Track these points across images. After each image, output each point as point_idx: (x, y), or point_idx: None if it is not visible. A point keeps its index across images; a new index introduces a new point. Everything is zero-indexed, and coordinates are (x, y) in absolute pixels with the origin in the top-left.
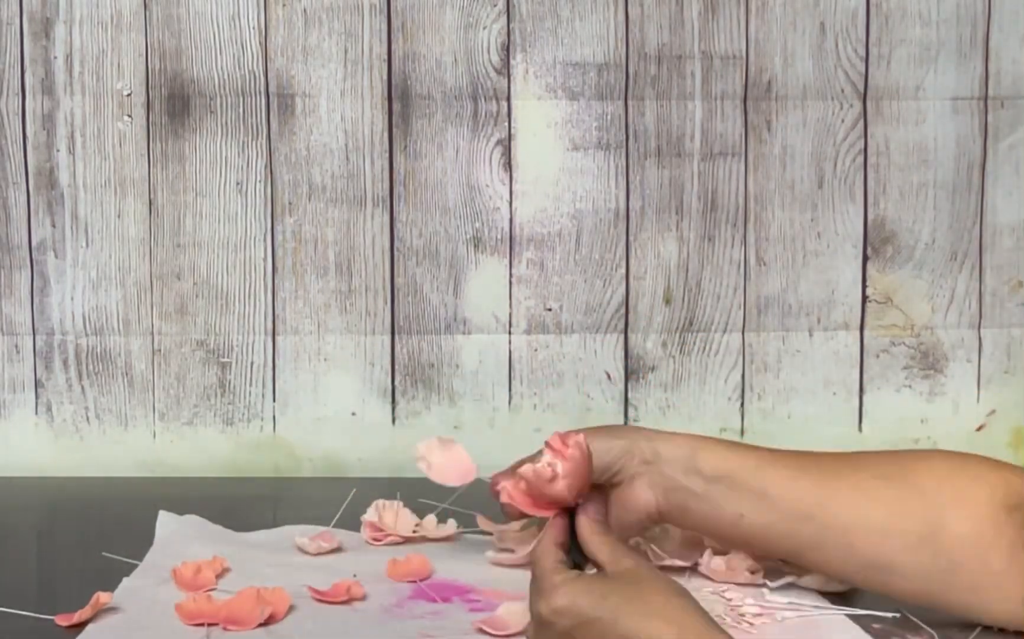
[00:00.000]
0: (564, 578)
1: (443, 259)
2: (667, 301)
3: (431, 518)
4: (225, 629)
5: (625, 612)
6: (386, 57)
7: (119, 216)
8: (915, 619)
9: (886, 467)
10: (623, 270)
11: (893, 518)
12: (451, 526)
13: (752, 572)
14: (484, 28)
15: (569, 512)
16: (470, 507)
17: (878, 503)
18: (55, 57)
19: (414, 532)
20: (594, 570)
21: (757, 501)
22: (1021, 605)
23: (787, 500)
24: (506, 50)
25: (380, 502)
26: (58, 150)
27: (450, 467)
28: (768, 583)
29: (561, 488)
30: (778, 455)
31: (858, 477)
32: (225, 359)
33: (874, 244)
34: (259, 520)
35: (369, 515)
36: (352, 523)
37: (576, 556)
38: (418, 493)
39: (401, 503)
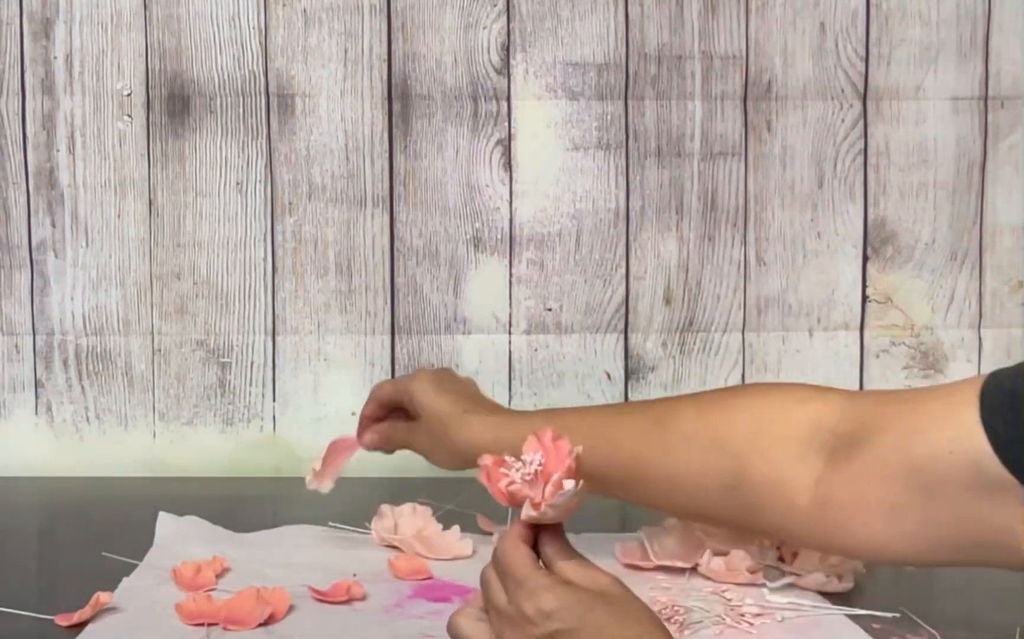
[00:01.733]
0: (552, 581)
1: (443, 259)
2: (667, 301)
3: (452, 533)
4: (225, 629)
5: (608, 629)
6: (386, 57)
7: (119, 216)
8: (915, 618)
9: (693, 425)
10: (623, 270)
11: (700, 475)
12: (468, 544)
13: (752, 572)
14: (484, 28)
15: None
16: (470, 508)
17: (686, 463)
18: (55, 57)
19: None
20: None
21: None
22: (827, 536)
23: (609, 480)
24: (506, 50)
25: (397, 508)
26: (58, 150)
27: (333, 458)
28: (768, 583)
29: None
30: (598, 428)
31: (667, 440)
32: (225, 359)
33: (874, 244)
34: (259, 520)
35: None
36: (354, 522)
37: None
38: (418, 493)
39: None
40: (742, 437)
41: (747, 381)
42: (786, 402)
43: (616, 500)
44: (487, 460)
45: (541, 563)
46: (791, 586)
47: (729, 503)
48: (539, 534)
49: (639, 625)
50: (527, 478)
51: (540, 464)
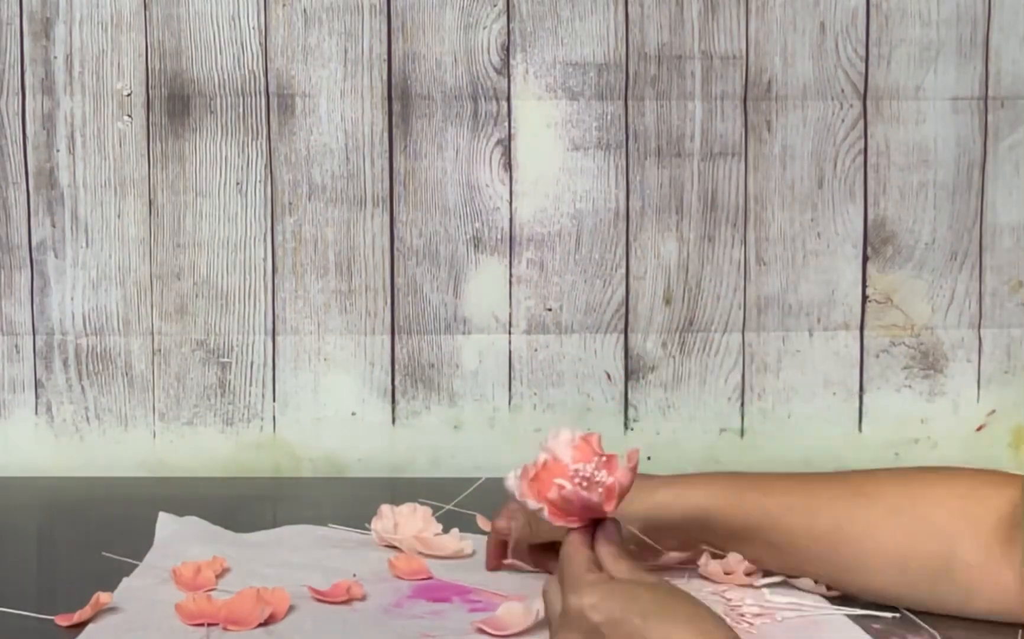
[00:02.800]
0: (599, 577)
1: (443, 259)
2: (667, 301)
3: (452, 536)
4: (225, 629)
5: (654, 616)
6: (386, 57)
7: (119, 216)
8: (915, 619)
9: (897, 500)
10: (623, 270)
11: (907, 557)
12: (468, 544)
13: (748, 574)
14: (484, 28)
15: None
16: (470, 508)
17: (892, 542)
18: (55, 57)
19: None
20: None
21: (766, 550)
22: None
23: (798, 550)
24: (506, 50)
25: (395, 507)
26: (58, 150)
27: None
28: (768, 583)
29: (606, 505)
30: (793, 493)
31: (870, 515)
32: (225, 359)
33: (874, 244)
34: (259, 520)
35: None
36: (354, 522)
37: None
38: (418, 493)
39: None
40: (953, 515)
41: (747, 381)
42: (986, 486)
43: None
44: (533, 468)
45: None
46: (791, 586)
47: (937, 589)
48: (595, 538)
49: (686, 607)
50: (583, 482)
51: (595, 470)
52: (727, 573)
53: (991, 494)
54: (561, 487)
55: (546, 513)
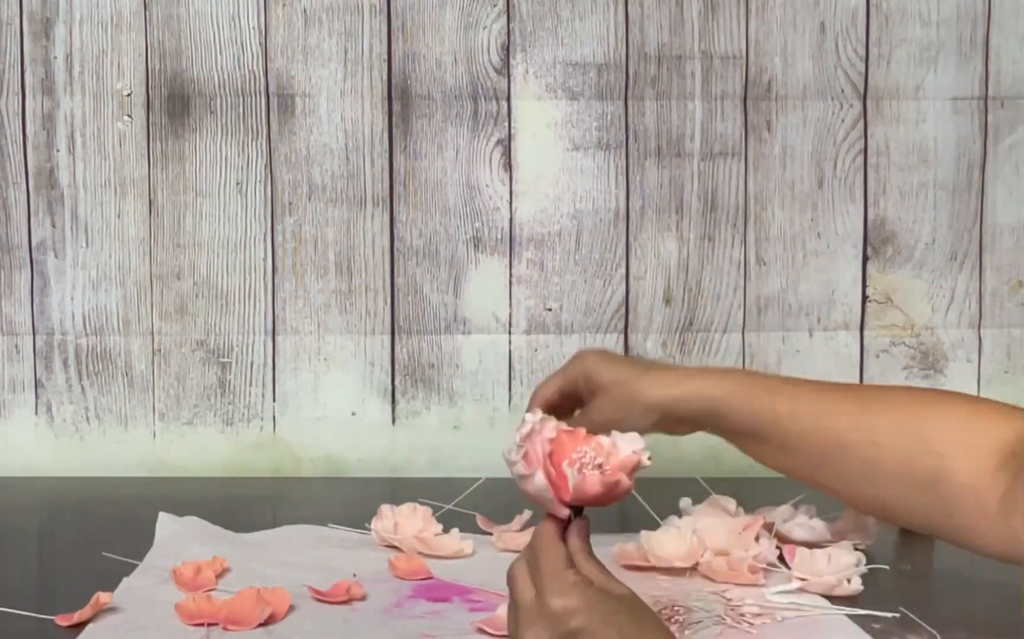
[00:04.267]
0: (580, 581)
1: (443, 259)
2: (667, 301)
3: (452, 536)
4: (225, 629)
5: (629, 635)
6: (386, 57)
7: (119, 216)
8: (915, 618)
9: (903, 415)
10: (623, 270)
11: (902, 467)
12: (468, 544)
13: (752, 572)
14: (484, 28)
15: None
16: (470, 508)
17: (890, 453)
18: (55, 57)
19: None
20: None
21: (776, 451)
22: (1009, 544)
23: (804, 452)
24: (506, 50)
25: (394, 507)
26: (58, 150)
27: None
28: (777, 587)
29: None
30: (801, 398)
31: (876, 426)
32: (225, 359)
33: (874, 244)
34: (259, 520)
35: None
36: (354, 522)
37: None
38: (417, 493)
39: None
40: (950, 436)
41: None
42: (991, 412)
43: (794, 480)
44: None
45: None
46: (799, 590)
47: (925, 500)
48: (566, 532)
49: (660, 634)
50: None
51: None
52: (731, 570)
53: (995, 420)
54: (589, 465)
55: (537, 480)
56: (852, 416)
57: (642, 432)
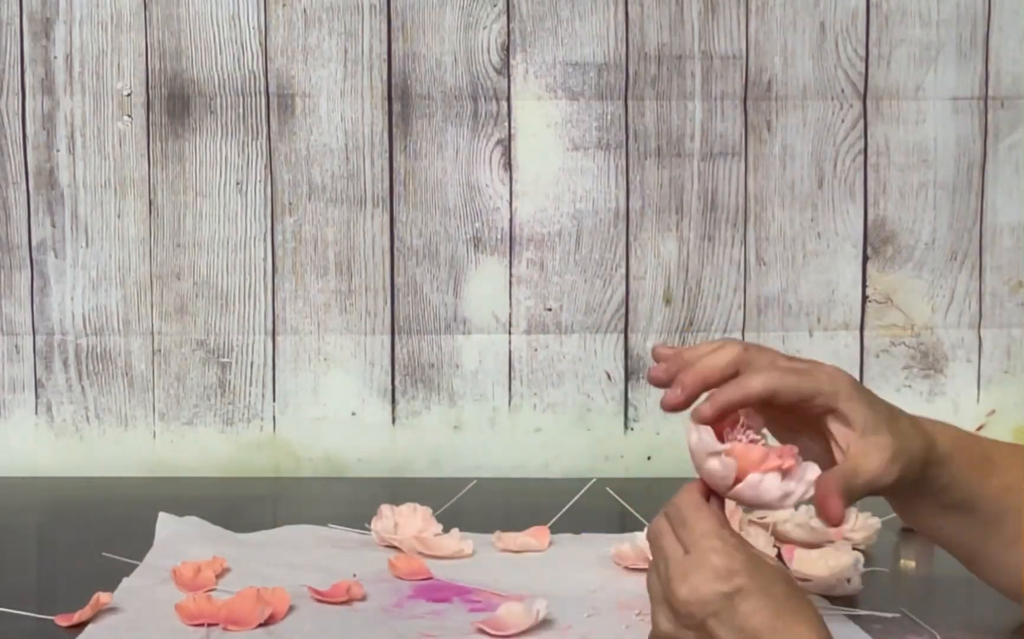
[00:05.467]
0: (741, 543)
1: (443, 259)
2: (667, 301)
3: (452, 536)
4: (225, 629)
5: (787, 605)
6: (386, 57)
7: (119, 216)
8: (915, 618)
9: None
10: (623, 270)
11: None
12: (468, 544)
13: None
14: (484, 28)
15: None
16: (468, 509)
17: None
18: (55, 57)
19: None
20: None
21: (971, 531)
22: None
23: (1001, 531)
24: (506, 50)
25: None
26: (58, 150)
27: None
28: None
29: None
30: (1013, 473)
31: None
32: (225, 359)
33: (874, 244)
34: (259, 520)
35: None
36: (354, 522)
37: None
38: (417, 493)
39: (430, 511)
40: None
41: None
42: None
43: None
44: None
45: None
46: None
47: None
48: (709, 500)
49: (809, 609)
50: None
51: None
52: None
53: None
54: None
55: (719, 464)
56: None
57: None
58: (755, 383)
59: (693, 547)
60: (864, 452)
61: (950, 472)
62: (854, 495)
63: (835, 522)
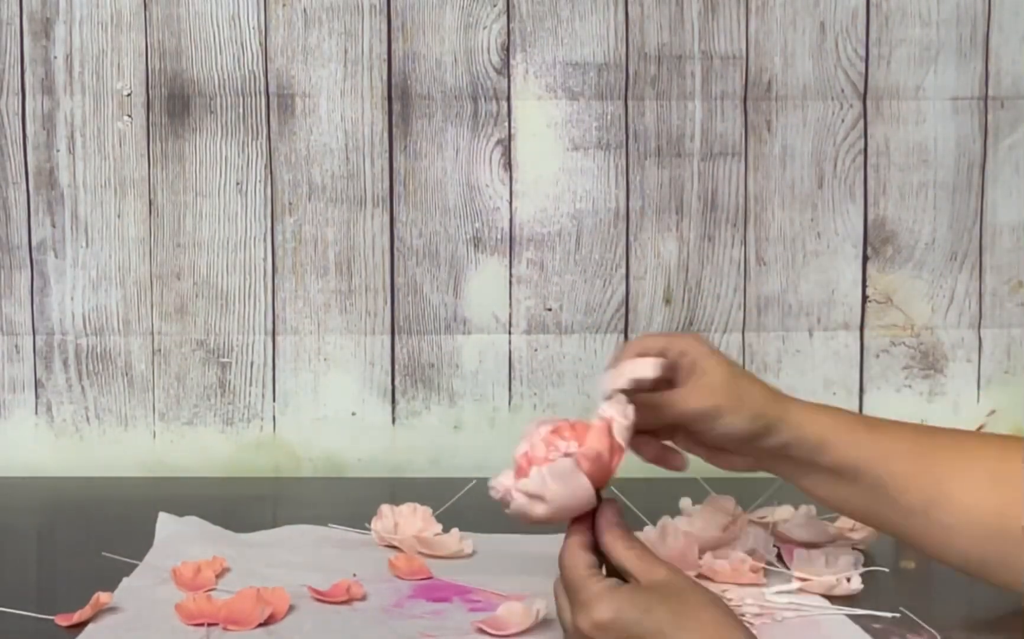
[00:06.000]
0: (604, 587)
1: (443, 259)
2: (667, 301)
3: (452, 536)
4: (225, 629)
5: (670, 626)
6: (386, 57)
7: (119, 216)
8: (915, 618)
9: (997, 464)
10: (623, 270)
11: (1000, 520)
12: (468, 544)
13: (754, 572)
14: (484, 28)
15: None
16: (468, 509)
17: (988, 506)
18: (55, 57)
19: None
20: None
21: (868, 496)
22: None
23: (897, 498)
24: (506, 50)
25: (393, 507)
26: (58, 150)
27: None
28: (778, 588)
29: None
30: (897, 441)
31: (973, 477)
32: (225, 359)
33: (874, 244)
34: (259, 520)
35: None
36: (354, 522)
37: (602, 558)
38: (417, 493)
39: (429, 510)
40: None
41: None
42: None
43: (876, 529)
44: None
45: (598, 565)
46: (799, 591)
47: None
48: (596, 527)
49: (704, 614)
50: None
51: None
52: (734, 569)
53: None
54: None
55: (517, 502)
56: (949, 461)
57: (737, 436)
58: (629, 348)
59: (572, 611)
60: (691, 388)
61: (813, 429)
62: (662, 417)
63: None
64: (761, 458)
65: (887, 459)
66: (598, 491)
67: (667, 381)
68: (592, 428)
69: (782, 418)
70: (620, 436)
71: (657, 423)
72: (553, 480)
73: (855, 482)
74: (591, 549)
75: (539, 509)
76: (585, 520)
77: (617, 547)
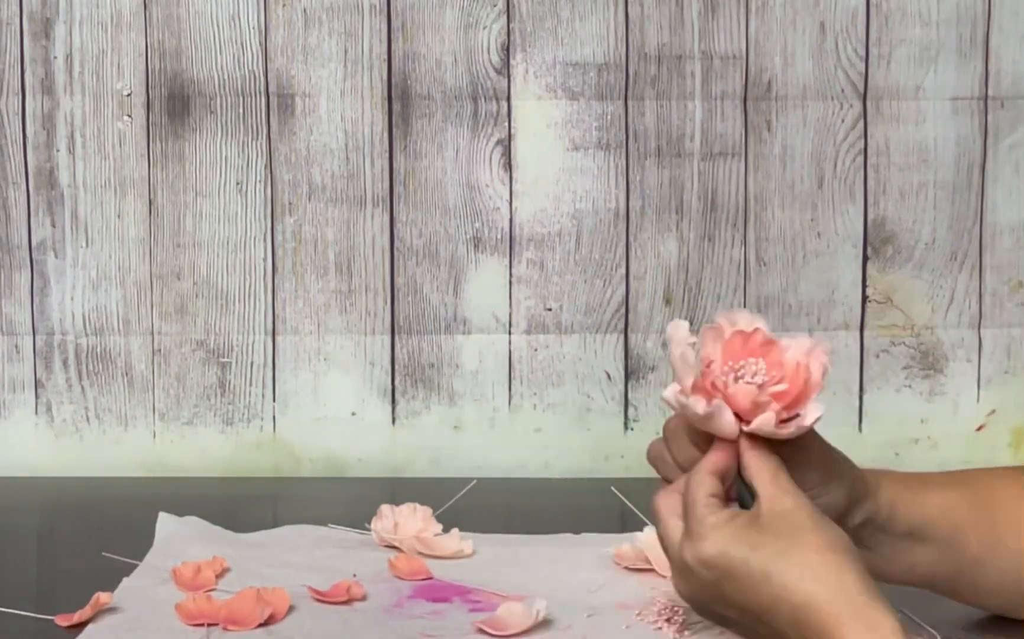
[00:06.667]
0: (715, 521)
1: (443, 259)
2: (667, 301)
3: (452, 536)
4: (225, 629)
5: (777, 569)
6: (386, 57)
7: (119, 216)
8: (915, 619)
9: None
10: (623, 270)
11: None
12: (468, 544)
13: None
14: (484, 28)
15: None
16: (468, 509)
17: None
18: (55, 57)
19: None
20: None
21: (935, 553)
22: None
23: (966, 550)
24: (506, 50)
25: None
26: (58, 150)
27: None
28: None
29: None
30: (961, 490)
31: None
32: (225, 359)
33: (874, 244)
34: (259, 520)
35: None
36: (354, 522)
37: (738, 489)
38: (417, 493)
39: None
40: None
41: None
42: None
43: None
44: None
45: (722, 496)
46: None
47: None
48: (743, 453)
49: (815, 555)
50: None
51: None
52: None
53: None
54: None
55: (723, 414)
56: (1006, 504)
57: (836, 509)
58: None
59: (684, 535)
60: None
61: (885, 496)
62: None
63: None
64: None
65: (953, 511)
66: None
67: None
68: (794, 367)
69: (866, 489)
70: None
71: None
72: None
73: (923, 542)
74: (721, 477)
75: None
76: (727, 448)
77: (753, 461)
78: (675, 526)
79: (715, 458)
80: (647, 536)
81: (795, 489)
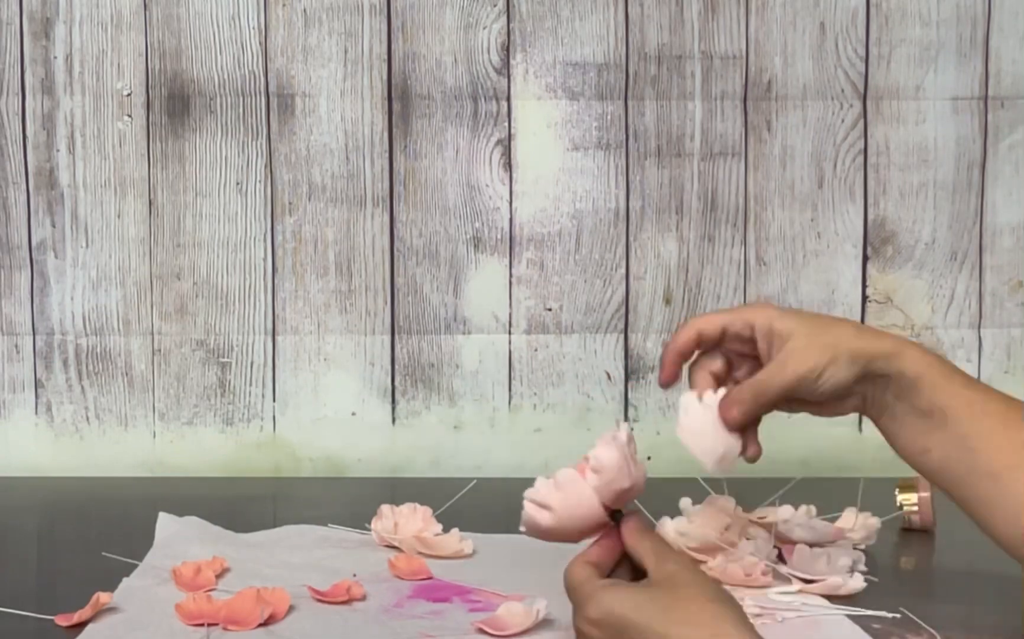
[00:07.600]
0: (596, 586)
1: (443, 259)
2: (667, 301)
3: (452, 536)
4: (225, 629)
5: (659, 620)
6: (386, 57)
7: (119, 216)
8: (915, 618)
9: None
10: (623, 270)
11: None
12: (468, 544)
13: (763, 574)
14: (484, 28)
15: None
16: (468, 509)
17: None
18: (55, 57)
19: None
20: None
21: (951, 445)
22: None
23: (978, 455)
24: (506, 50)
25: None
26: (58, 150)
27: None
28: (781, 588)
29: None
30: (989, 400)
31: None
32: (225, 359)
33: (874, 244)
34: (259, 520)
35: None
36: (354, 522)
37: (622, 574)
38: (417, 493)
39: (431, 511)
40: None
41: None
42: None
43: (938, 486)
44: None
45: (599, 573)
46: (800, 591)
47: None
48: (620, 531)
49: (694, 605)
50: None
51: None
52: (747, 575)
53: None
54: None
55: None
56: None
57: (843, 385)
58: (685, 331)
59: (574, 618)
60: (782, 360)
61: (911, 365)
62: (763, 400)
63: (730, 425)
64: (867, 397)
65: (978, 413)
66: (614, 511)
67: (753, 358)
68: (599, 439)
69: (880, 353)
70: (624, 448)
71: (765, 407)
72: (557, 488)
73: (942, 428)
74: (596, 564)
75: (545, 517)
76: (608, 541)
77: (633, 537)
78: (572, 610)
79: (587, 550)
80: None
81: (676, 554)
